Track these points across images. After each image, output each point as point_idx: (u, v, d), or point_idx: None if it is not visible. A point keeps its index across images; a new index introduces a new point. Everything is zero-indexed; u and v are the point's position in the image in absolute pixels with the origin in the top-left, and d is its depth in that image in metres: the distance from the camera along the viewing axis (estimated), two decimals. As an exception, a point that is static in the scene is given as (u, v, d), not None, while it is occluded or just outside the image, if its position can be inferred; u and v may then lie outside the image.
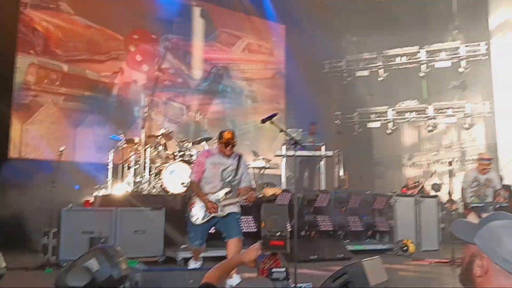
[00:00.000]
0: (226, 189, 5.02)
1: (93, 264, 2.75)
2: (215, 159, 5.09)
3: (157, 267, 6.72)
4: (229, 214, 5.01)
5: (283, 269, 2.51)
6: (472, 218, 7.68)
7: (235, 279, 4.67)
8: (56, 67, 10.57)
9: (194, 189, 5.14)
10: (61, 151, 7.74)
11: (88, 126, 10.75)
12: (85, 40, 11.05)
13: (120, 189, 8.90)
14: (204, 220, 4.99)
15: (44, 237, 7.06)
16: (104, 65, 11.35)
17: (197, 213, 5.00)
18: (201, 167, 5.08)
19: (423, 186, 12.47)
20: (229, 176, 5.08)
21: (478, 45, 13.64)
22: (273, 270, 2.42)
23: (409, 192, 11.70)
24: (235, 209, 5.10)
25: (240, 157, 5.18)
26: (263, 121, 4.90)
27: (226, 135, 5.01)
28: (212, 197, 4.99)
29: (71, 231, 6.64)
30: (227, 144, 4.99)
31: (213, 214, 4.93)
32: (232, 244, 4.91)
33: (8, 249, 3.52)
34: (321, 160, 10.57)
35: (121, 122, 10.99)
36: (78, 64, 10.91)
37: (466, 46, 13.81)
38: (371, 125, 14.93)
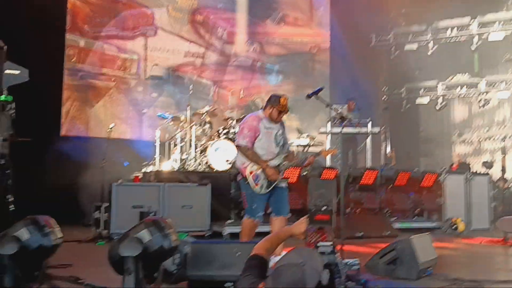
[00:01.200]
0: (283, 155, 4.83)
1: (144, 235, 2.83)
2: (266, 123, 4.81)
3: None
4: (282, 187, 4.81)
5: (330, 243, 2.48)
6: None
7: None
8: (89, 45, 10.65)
9: (249, 156, 4.73)
10: (111, 129, 7.97)
11: (135, 105, 10.95)
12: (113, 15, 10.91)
13: (167, 166, 9.09)
14: (269, 189, 4.71)
15: (96, 211, 7.36)
16: (135, 41, 11.22)
17: (261, 180, 4.69)
18: (254, 131, 4.75)
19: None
20: (281, 141, 4.87)
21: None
22: (320, 244, 2.40)
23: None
24: (284, 183, 4.90)
25: (283, 123, 4.98)
26: (309, 96, 4.72)
27: (283, 101, 4.73)
28: (271, 164, 4.73)
29: (121, 205, 6.86)
30: (282, 111, 4.74)
31: (276, 181, 4.70)
32: (280, 221, 4.72)
33: (61, 223, 3.66)
34: (367, 137, 10.39)
35: (168, 100, 11.18)
36: (110, 41, 10.85)
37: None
38: (419, 100, 14.47)
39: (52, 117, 9.72)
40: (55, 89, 9.77)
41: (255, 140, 4.74)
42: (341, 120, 4.60)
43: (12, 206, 5.13)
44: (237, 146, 4.95)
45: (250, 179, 4.70)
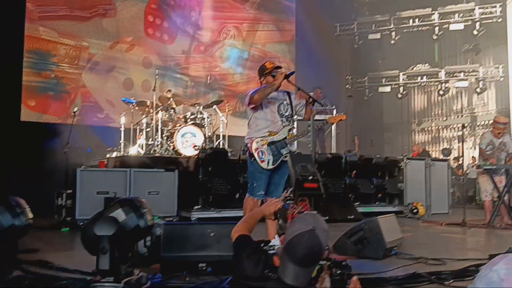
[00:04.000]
0: (288, 126, 4.64)
1: (120, 214, 2.79)
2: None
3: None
4: (284, 168, 4.54)
5: (314, 212, 2.54)
6: (485, 180, 7.70)
7: (275, 240, 4.40)
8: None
9: (266, 90, 4.50)
10: (75, 112, 7.77)
11: (98, 88, 10.67)
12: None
13: (132, 151, 8.95)
14: (276, 164, 4.52)
15: (58, 198, 7.18)
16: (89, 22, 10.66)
17: (267, 156, 4.51)
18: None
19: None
20: (286, 111, 4.67)
21: (494, 6, 13.33)
22: (304, 214, 2.45)
23: None
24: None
25: (288, 92, 4.78)
26: (282, 71, 4.56)
27: (269, 64, 4.59)
28: (276, 137, 4.57)
29: (86, 191, 6.71)
30: (275, 74, 4.53)
31: (285, 154, 4.49)
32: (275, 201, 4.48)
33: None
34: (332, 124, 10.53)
35: (131, 85, 10.96)
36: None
37: (480, 8, 13.51)
38: (382, 89, 14.81)
39: (11, 100, 9.37)
40: (14, 71, 9.41)
41: (259, 106, 4.57)
42: (313, 103, 4.58)
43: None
44: (249, 103, 4.62)
45: (256, 155, 4.56)
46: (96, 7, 10.79)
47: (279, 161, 4.54)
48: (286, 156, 4.52)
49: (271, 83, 4.52)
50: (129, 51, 11.19)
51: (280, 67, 4.68)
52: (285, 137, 4.60)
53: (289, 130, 4.65)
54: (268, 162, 4.53)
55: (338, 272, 2.38)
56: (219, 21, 12.82)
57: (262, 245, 2.74)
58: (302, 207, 2.57)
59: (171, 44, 11.90)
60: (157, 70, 9.40)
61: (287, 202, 2.66)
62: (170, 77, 11.60)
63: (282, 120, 4.66)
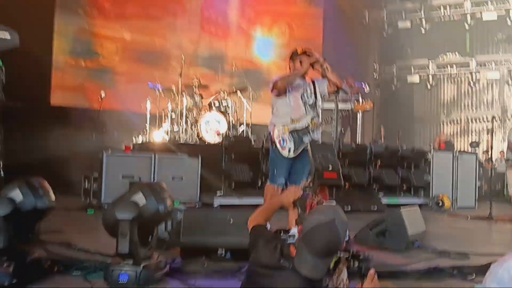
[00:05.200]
0: (311, 114, 4.54)
1: (140, 198, 2.82)
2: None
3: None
4: (307, 156, 4.39)
5: (333, 202, 2.52)
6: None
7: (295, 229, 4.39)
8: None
9: (286, 78, 4.53)
10: (102, 98, 7.88)
11: (126, 75, 10.81)
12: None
13: (157, 136, 9.05)
14: (298, 152, 4.45)
15: (85, 181, 7.33)
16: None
17: (288, 144, 4.46)
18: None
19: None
20: (310, 99, 4.58)
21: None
22: (324, 204, 2.43)
23: None
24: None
25: (313, 81, 4.71)
26: (313, 56, 4.49)
27: (300, 50, 4.51)
28: (298, 125, 4.49)
29: (112, 175, 6.82)
30: (304, 59, 4.48)
31: (307, 142, 4.41)
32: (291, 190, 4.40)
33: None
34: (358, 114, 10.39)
35: (159, 71, 11.04)
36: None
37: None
38: (410, 79, 14.50)
39: (42, 84, 9.57)
40: (45, 55, 9.59)
41: (284, 92, 4.52)
42: (337, 91, 4.50)
43: (1, 172, 5.08)
44: (272, 89, 4.60)
45: (277, 143, 4.52)
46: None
47: (300, 149, 4.47)
48: (308, 145, 4.43)
49: (297, 70, 4.48)
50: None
51: (310, 52, 4.61)
52: (308, 125, 4.53)
53: (312, 118, 4.58)
54: (289, 150, 4.47)
55: (356, 264, 2.35)
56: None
57: (281, 233, 2.72)
58: (322, 197, 2.53)
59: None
60: (183, 57, 9.41)
61: (308, 191, 2.63)
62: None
63: (305, 108, 4.58)
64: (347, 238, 4.15)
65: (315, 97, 4.65)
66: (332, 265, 2.04)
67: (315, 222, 1.92)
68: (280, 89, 4.53)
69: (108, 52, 10.77)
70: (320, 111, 4.78)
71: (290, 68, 4.67)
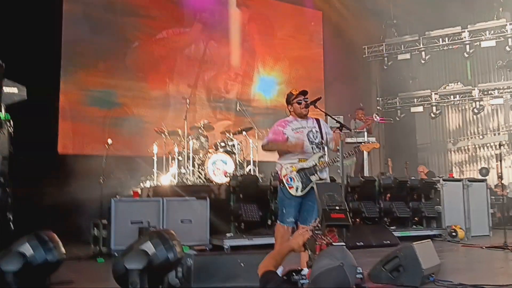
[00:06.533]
0: (319, 154, 4.58)
1: (149, 247, 2.81)
2: (295, 124, 4.62)
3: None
4: (314, 193, 4.33)
5: (342, 243, 2.48)
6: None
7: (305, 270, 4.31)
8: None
9: (271, 147, 4.60)
10: (109, 144, 7.95)
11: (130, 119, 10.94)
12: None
13: (165, 180, 9.07)
14: (306, 190, 4.46)
15: (94, 228, 7.31)
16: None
17: (295, 182, 4.47)
18: (280, 135, 4.58)
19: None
20: (316, 138, 4.61)
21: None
22: (333, 244, 2.40)
23: None
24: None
25: (318, 120, 4.76)
26: (308, 105, 4.65)
27: (295, 91, 4.58)
28: (306, 164, 4.52)
29: (120, 221, 6.78)
30: (301, 101, 4.56)
31: (314, 180, 4.44)
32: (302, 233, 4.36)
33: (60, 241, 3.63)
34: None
35: (165, 115, 11.18)
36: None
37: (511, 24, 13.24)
38: (414, 109, 14.55)
39: (49, 135, 9.70)
40: (51, 106, 9.77)
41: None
42: (341, 128, 4.54)
43: (11, 225, 5.09)
44: (262, 147, 4.76)
45: (285, 181, 4.54)
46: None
47: (308, 188, 4.49)
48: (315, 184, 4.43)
49: (291, 146, 4.52)
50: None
51: (305, 92, 4.68)
52: (315, 164, 4.55)
53: (320, 157, 4.59)
54: (297, 189, 4.48)
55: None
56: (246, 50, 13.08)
57: (293, 274, 2.68)
58: (331, 238, 2.52)
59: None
60: (188, 99, 9.53)
61: (316, 232, 2.61)
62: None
63: (312, 147, 4.61)
64: (360, 276, 4.10)
65: (321, 136, 4.68)
66: None
67: (324, 266, 1.90)
68: (268, 151, 4.58)
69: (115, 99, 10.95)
70: (326, 150, 4.80)
71: (289, 111, 4.72)
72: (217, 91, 12.48)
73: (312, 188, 4.48)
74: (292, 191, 4.49)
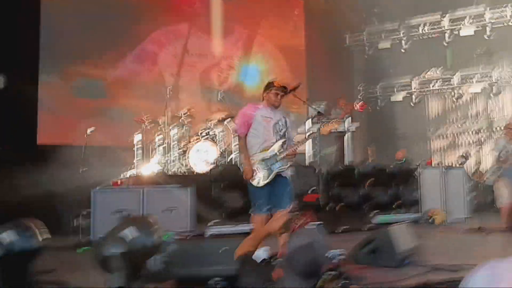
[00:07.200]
0: (280, 142, 4.60)
1: (127, 233, 2.84)
2: (265, 112, 4.65)
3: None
4: (282, 177, 4.56)
5: (318, 223, 2.54)
6: (501, 185, 7.59)
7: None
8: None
9: (240, 148, 4.71)
10: (89, 134, 7.89)
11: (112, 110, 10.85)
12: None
13: (147, 169, 9.06)
14: (269, 179, 4.48)
15: (75, 218, 7.28)
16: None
17: (258, 174, 4.52)
18: (247, 118, 4.62)
19: None
20: (281, 130, 4.67)
21: (504, 8, 13.18)
22: (304, 228, 2.46)
23: None
24: (284, 173, 4.60)
25: (286, 119, 4.80)
26: (287, 92, 4.64)
27: (278, 84, 4.62)
28: (268, 153, 4.55)
29: (102, 211, 6.79)
30: (278, 92, 4.60)
31: (276, 170, 4.48)
32: (280, 215, 4.12)
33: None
34: (344, 135, 10.50)
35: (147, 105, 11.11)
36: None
37: (491, 11, 13.38)
38: (394, 98, 14.71)
39: (28, 125, 9.58)
40: (31, 97, 9.63)
41: (248, 128, 4.61)
42: (319, 116, 4.59)
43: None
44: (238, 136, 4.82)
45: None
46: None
47: (272, 175, 4.51)
48: (281, 171, 4.54)
49: (245, 166, 4.54)
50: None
51: (285, 88, 4.69)
52: (276, 153, 4.58)
53: (281, 145, 4.61)
54: (258, 181, 4.51)
55: (342, 283, 2.37)
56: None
57: (271, 259, 2.74)
58: (306, 219, 2.58)
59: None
60: (168, 88, 9.49)
61: (293, 214, 2.67)
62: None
63: (276, 138, 4.65)
64: (340, 257, 4.18)
65: (287, 128, 4.74)
66: (321, 283, 2.07)
67: (294, 246, 1.97)
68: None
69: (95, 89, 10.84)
70: (291, 143, 4.82)
71: (264, 99, 4.72)
72: (199, 80, 12.43)
73: (277, 174, 4.54)
74: (255, 183, 4.51)
